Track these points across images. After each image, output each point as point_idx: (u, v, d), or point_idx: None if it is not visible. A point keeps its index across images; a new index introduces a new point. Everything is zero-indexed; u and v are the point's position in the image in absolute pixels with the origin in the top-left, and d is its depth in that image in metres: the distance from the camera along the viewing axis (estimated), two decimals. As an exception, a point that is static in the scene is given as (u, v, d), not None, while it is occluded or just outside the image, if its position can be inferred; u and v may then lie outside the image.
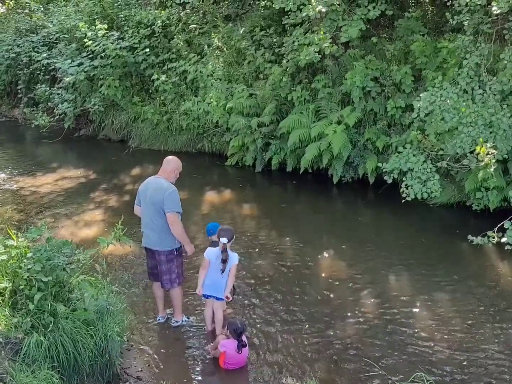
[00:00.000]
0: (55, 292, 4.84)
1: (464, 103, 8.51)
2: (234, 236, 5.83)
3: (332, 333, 5.95)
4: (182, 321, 6.13)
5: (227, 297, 5.71)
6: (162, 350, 5.73)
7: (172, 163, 6.00)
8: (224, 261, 5.60)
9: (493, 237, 6.19)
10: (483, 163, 7.68)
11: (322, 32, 10.01)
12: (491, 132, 8.25)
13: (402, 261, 7.58)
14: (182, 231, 5.79)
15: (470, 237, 6.36)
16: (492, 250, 7.51)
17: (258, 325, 6.10)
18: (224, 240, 5.57)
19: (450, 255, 7.76)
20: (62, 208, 9.68)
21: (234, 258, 5.70)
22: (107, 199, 10.17)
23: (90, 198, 10.26)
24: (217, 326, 5.81)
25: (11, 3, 19.54)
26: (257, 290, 6.83)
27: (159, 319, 6.19)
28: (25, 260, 4.78)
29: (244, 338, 5.38)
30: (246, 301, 6.58)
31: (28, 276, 4.67)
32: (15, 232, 5.25)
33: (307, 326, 6.07)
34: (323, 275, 7.24)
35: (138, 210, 6.10)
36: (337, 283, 7.01)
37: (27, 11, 19.03)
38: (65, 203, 9.94)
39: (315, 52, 10.01)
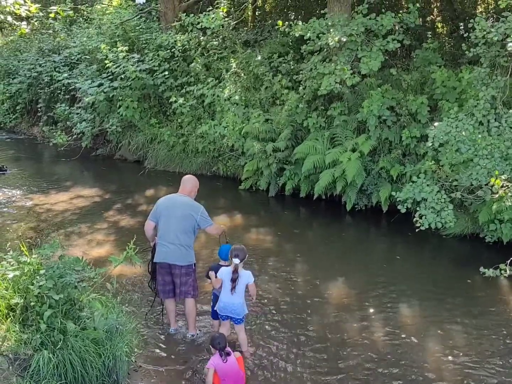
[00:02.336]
0: (66, 309, 4.87)
1: (480, 135, 8.52)
2: (247, 256, 5.88)
3: (339, 361, 5.88)
4: (197, 334, 6.25)
5: (251, 298, 5.92)
6: (170, 373, 5.68)
7: (190, 182, 6.38)
8: (234, 280, 5.62)
9: (505, 270, 6.15)
10: (497, 195, 7.66)
11: (342, 63, 10.05)
12: (507, 165, 8.23)
13: (413, 291, 7.51)
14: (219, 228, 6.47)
15: (482, 269, 6.31)
16: (505, 283, 7.44)
17: (264, 348, 6.06)
18: (236, 260, 5.61)
19: (461, 287, 7.67)
20: (75, 227, 9.75)
21: (248, 277, 5.74)
22: (121, 219, 10.23)
23: (104, 218, 10.34)
24: (243, 346, 5.88)
25: (35, 23, 19.98)
26: (266, 314, 6.79)
27: (171, 331, 6.30)
28: (37, 277, 4.82)
29: (228, 348, 5.27)
30: (254, 325, 6.54)
31: (39, 293, 4.71)
32: (28, 248, 5.31)
33: (314, 352, 6.01)
34: (333, 302, 7.20)
35: (151, 226, 6.22)
36: (347, 311, 6.95)
37: (51, 31, 19.45)
38: (78, 222, 10.02)
39: (336, 82, 10.05)
